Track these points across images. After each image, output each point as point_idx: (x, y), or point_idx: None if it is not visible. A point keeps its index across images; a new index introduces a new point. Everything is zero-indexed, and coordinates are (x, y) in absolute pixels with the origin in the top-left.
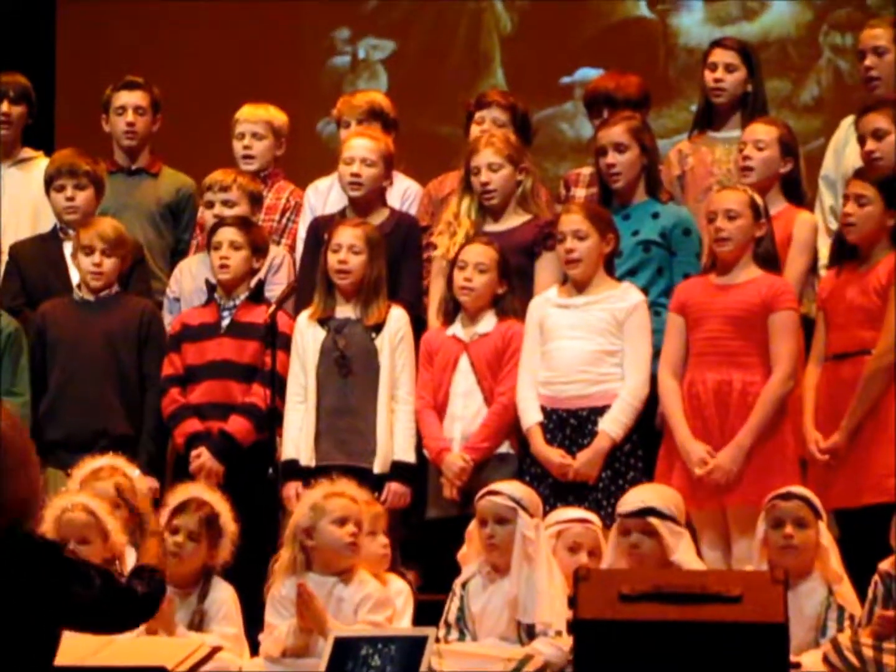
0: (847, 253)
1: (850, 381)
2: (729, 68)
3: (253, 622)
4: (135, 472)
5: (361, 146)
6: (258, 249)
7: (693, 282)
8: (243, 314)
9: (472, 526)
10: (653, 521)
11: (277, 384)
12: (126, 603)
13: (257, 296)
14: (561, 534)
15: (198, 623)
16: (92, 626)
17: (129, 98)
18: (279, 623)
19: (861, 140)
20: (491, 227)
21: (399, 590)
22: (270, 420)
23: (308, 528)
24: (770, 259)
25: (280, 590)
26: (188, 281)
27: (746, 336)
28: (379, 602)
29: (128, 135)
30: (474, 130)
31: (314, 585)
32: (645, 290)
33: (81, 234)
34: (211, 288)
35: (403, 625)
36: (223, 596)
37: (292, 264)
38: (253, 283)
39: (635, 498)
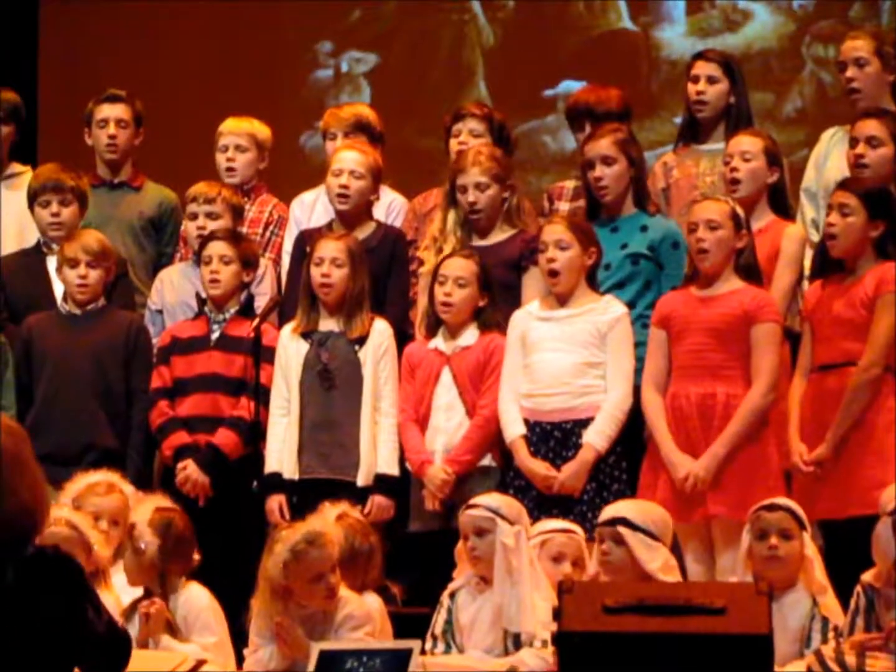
0: (833, 265)
1: (835, 392)
2: (711, 80)
3: (238, 635)
4: (129, 488)
5: (350, 159)
6: (248, 263)
7: (674, 294)
8: (233, 328)
9: (460, 545)
10: (622, 530)
11: (263, 398)
12: (123, 644)
13: (247, 309)
14: (544, 544)
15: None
16: (93, 663)
17: (111, 111)
18: (262, 643)
19: (853, 142)
20: (477, 243)
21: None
22: (255, 433)
23: (284, 585)
24: (751, 270)
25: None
26: (170, 291)
27: (729, 348)
28: (360, 619)
29: (110, 148)
30: (452, 144)
31: (294, 606)
32: (633, 303)
33: (66, 247)
34: (201, 301)
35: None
36: (200, 604)
37: (275, 277)
38: (243, 296)
39: (611, 509)
